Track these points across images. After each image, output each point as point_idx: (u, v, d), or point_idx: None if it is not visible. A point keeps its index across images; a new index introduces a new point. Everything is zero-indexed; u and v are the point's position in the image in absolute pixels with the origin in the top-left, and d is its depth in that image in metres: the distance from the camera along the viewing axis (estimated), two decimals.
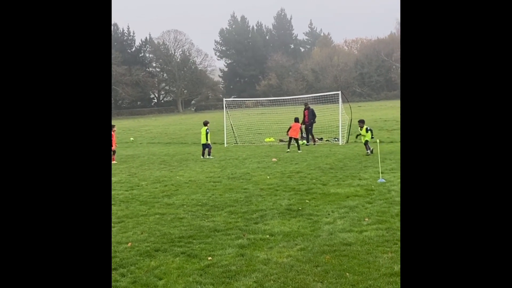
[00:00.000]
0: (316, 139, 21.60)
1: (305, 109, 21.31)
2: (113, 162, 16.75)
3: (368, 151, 15.71)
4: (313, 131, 21.20)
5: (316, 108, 23.93)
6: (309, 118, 20.94)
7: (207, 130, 17.27)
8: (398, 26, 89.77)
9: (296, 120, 18.81)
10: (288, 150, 17.93)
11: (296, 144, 18.24)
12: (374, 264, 5.35)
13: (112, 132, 17.03)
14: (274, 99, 32.86)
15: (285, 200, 9.11)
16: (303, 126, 20.72)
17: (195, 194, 10.21)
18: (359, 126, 16.72)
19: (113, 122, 16.22)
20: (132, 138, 28.37)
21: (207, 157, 17.01)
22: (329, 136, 22.28)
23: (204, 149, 17.28)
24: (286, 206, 8.55)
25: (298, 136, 18.66)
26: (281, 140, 22.03)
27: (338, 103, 21.66)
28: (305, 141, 20.67)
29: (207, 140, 17.20)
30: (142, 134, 32.81)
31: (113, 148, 16.95)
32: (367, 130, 16.35)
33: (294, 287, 4.86)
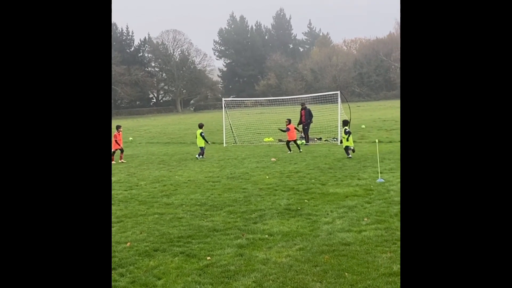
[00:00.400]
0: (315, 139, 21.61)
1: (301, 109, 21.31)
2: (121, 161, 16.92)
3: (349, 155, 14.93)
4: (309, 131, 21.20)
5: (315, 108, 23.91)
6: (306, 118, 20.94)
7: (202, 133, 17.31)
8: (397, 26, 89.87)
9: (289, 121, 18.44)
10: (290, 151, 17.69)
11: (295, 144, 18.15)
12: (373, 264, 5.35)
13: (119, 133, 17.45)
14: (273, 99, 32.88)
15: (284, 200, 9.11)
16: (300, 126, 20.72)
17: (194, 194, 10.21)
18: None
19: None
20: (131, 138, 28.35)
21: (196, 156, 17.09)
22: (328, 136, 22.29)
23: (203, 151, 17.30)
24: (285, 206, 8.55)
25: (297, 137, 18.55)
26: (280, 140, 22.03)
27: (337, 103, 21.68)
28: (304, 141, 20.67)
29: (206, 142, 17.39)
30: (141, 133, 32.80)
31: (120, 147, 17.28)
32: (345, 132, 15.20)
33: (293, 287, 4.86)
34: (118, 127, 17.60)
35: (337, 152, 17.03)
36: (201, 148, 17.25)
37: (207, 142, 17.61)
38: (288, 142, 18.13)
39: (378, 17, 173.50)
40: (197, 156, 17.10)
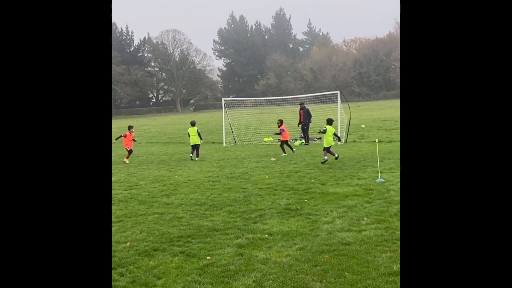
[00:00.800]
0: (315, 139, 21.61)
1: (300, 109, 21.24)
2: (125, 161, 16.83)
3: (328, 157, 14.02)
4: (309, 131, 21.14)
5: (314, 107, 23.89)
6: (305, 118, 20.84)
7: (199, 130, 17.09)
8: (397, 26, 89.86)
9: (281, 122, 17.99)
10: (294, 151, 17.41)
11: (281, 147, 17.78)
12: (373, 264, 5.36)
13: (131, 133, 17.43)
14: (272, 99, 32.87)
15: (284, 199, 9.11)
16: (300, 126, 20.69)
17: (193, 193, 10.21)
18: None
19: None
20: None
21: (196, 158, 16.73)
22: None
23: (194, 150, 16.91)
24: (285, 206, 8.55)
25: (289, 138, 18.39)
26: (279, 140, 22.02)
27: (337, 102, 21.68)
28: (303, 141, 20.66)
29: (201, 139, 17.09)
30: (141, 133, 32.78)
31: (131, 147, 17.31)
32: (324, 131, 14.27)
33: (293, 287, 4.86)
34: (130, 128, 17.71)
35: (336, 151, 16.99)
36: (197, 146, 16.89)
37: (201, 139, 17.28)
38: (287, 142, 17.87)
39: (378, 17, 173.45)
40: (196, 158, 16.84)
